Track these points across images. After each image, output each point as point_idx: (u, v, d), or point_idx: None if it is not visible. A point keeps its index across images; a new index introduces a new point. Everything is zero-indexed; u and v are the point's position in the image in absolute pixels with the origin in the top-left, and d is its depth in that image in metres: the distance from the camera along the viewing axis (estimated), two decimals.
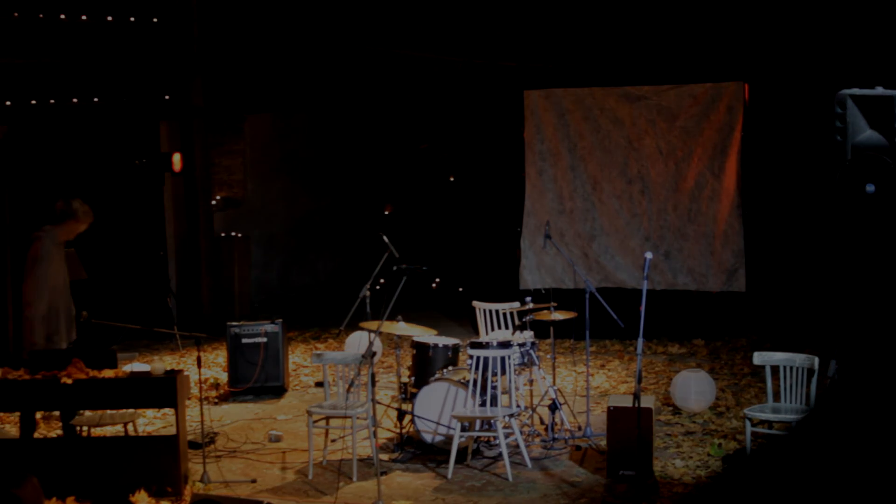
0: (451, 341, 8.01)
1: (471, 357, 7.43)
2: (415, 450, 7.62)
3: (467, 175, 13.34)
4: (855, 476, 2.39)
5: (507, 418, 7.21)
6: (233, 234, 14.11)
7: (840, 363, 6.88)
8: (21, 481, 5.98)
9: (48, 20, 11.33)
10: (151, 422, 8.64)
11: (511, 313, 9.05)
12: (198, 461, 7.16)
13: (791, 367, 7.05)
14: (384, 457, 7.51)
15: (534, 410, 8.17)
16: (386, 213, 13.30)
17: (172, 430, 7.16)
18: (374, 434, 7.08)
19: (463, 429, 7.20)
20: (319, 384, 10.00)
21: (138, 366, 8.06)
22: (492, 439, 7.71)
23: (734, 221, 11.75)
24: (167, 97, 12.67)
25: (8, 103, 11.31)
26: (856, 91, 6.24)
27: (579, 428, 8.03)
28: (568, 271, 11.91)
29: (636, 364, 6.93)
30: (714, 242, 11.85)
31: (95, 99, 11.99)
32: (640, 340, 6.61)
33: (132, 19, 11.87)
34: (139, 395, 6.99)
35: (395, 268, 8.19)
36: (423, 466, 7.33)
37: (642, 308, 6.57)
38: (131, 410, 7.47)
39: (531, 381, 8.22)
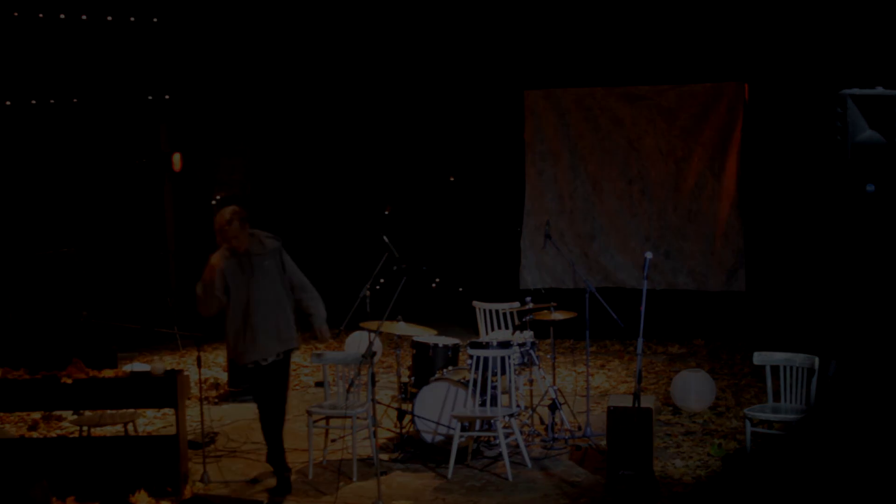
0: (451, 341, 8.01)
1: (471, 357, 7.42)
2: (415, 450, 7.62)
3: (467, 175, 13.33)
4: (854, 476, 2.39)
5: (507, 418, 7.21)
6: None
7: (840, 363, 6.88)
8: (32, 482, 6.00)
9: (48, 20, 11.32)
10: (151, 422, 8.65)
11: (511, 313, 9.05)
12: (198, 461, 7.16)
13: (791, 367, 7.05)
14: (384, 457, 7.51)
15: (534, 410, 8.17)
16: (386, 213, 13.29)
17: (172, 430, 7.16)
18: (374, 434, 7.07)
19: (463, 429, 7.20)
20: (319, 384, 10.00)
21: (138, 366, 8.07)
22: (492, 439, 7.71)
23: (734, 221, 11.75)
24: (167, 97, 12.67)
25: (8, 103, 11.30)
26: (856, 91, 6.24)
27: (579, 428, 8.03)
28: (568, 271, 11.90)
29: (636, 364, 6.93)
30: (714, 242, 11.85)
31: (95, 99, 11.98)
32: (640, 340, 6.62)
33: (132, 19, 11.87)
34: (139, 395, 7.00)
35: (395, 268, 8.18)
36: (423, 466, 7.33)
37: (642, 308, 6.58)
38: (131, 410, 7.48)
39: (531, 381, 8.22)
